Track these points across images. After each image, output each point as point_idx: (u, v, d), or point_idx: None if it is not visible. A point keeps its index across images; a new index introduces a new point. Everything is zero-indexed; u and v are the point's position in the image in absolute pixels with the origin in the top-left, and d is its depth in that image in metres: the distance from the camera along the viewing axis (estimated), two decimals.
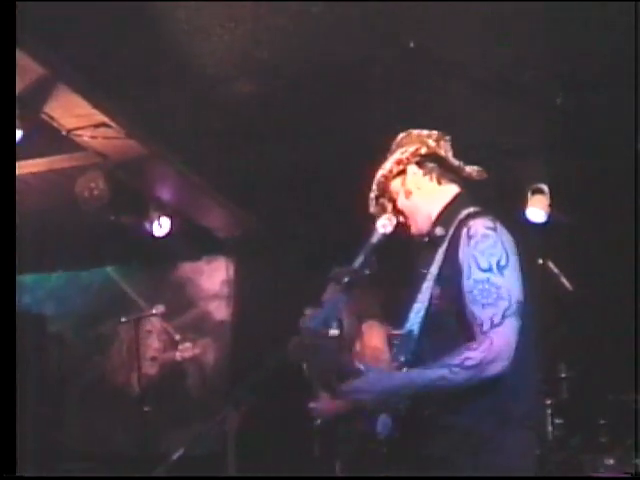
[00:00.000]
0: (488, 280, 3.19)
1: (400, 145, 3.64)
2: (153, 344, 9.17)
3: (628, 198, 6.92)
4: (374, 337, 6.00)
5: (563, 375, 6.31)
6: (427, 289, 3.35)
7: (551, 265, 6.26)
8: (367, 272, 3.32)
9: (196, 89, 6.01)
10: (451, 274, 3.29)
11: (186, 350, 9.06)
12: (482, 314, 3.16)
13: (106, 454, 8.72)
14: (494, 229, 3.29)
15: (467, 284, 3.22)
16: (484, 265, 3.21)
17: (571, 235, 7.15)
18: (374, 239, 3.40)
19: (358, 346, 6.02)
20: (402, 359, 3.33)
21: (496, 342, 3.12)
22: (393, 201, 3.62)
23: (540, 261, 6.33)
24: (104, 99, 5.99)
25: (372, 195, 3.65)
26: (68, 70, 5.61)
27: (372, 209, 3.67)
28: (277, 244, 8.47)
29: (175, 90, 6.00)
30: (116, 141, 6.40)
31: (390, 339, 3.49)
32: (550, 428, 6.02)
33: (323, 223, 7.86)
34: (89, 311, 9.49)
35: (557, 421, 6.09)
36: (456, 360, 3.12)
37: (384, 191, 3.63)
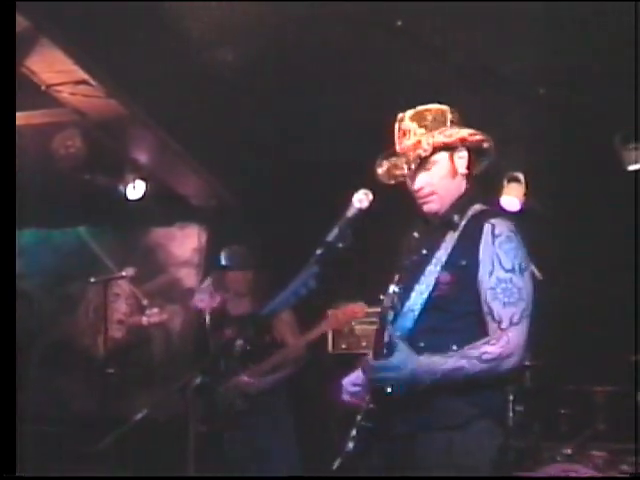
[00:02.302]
0: (511, 280, 3.32)
1: (459, 124, 3.61)
2: (120, 307, 9.14)
3: (603, 191, 6.97)
4: (285, 324, 6.15)
5: (527, 363, 6.35)
6: (431, 273, 3.41)
7: None
8: (341, 246, 3.31)
9: (179, 54, 5.96)
10: (467, 265, 3.37)
11: (153, 315, 9.03)
12: (502, 312, 3.30)
13: (67, 416, 8.69)
14: (516, 233, 3.43)
15: (489, 280, 3.33)
16: (507, 266, 3.33)
17: (544, 225, 7.17)
18: (349, 213, 3.39)
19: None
20: (397, 334, 3.35)
21: (512, 339, 3.27)
22: (425, 168, 3.55)
23: None
24: (86, 56, 5.92)
25: (422, 153, 3.51)
26: (51, 25, 5.54)
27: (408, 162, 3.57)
28: (251, 217, 8.44)
29: (158, 53, 5.95)
30: (96, 100, 6.34)
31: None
32: (511, 414, 6.06)
33: (300, 199, 7.84)
34: (58, 270, 9.42)
35: (518, 408, 6.13)
36: (475, 353, 3.24)
37: (432, 155, 3.54)
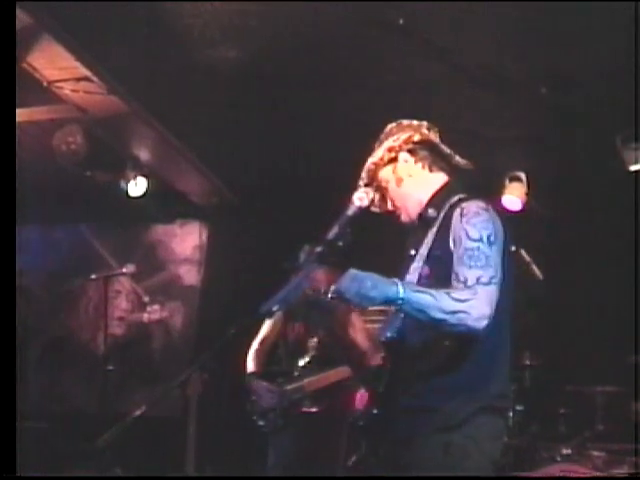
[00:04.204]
0: (478, 248, 3.23)
1: (391, 134, 3.61)
2: (121, 304, 9.15)
3: (605, 191, 6.98)
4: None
5: (527, 363, 6.36)
6: (415, 270, 3.38)
7: (523, 253, 6.27)
8: (340, 244, 3.31)
9: (181, 51, 5.95)
10: (441, 254, 3.33)
11: (154, 312, 9.05)
12: (468, 273, 3.18)
13: (66, 412, 8.70)
14: (486, 210, 3.35)
15: (457, 254, 3.25)
16: (475, 236, 3.25)
17: (545, 224, 7.18)
18: (349, 211, 3.40)
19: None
20: (387, 334, 3.36)
21: (481, 298, 3.12)
22: (383, 189, 3.59)
23: (513, 248, 6.35)
24: (88, 53, 5.92)
25: (360, 183, 3.59)
26: (53, 21, 5.53)
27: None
28: (251, 214, 8.45)
29: (159, 50, 5.95)
30: (97, 96, 6.34)
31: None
32: (511, 414, 6.06)
33: (300, 197, 7.84)
34: (59, 267, 9.43)
35: (518, 408, 6.13)
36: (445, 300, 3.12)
37: (373, 179, 3.60)
